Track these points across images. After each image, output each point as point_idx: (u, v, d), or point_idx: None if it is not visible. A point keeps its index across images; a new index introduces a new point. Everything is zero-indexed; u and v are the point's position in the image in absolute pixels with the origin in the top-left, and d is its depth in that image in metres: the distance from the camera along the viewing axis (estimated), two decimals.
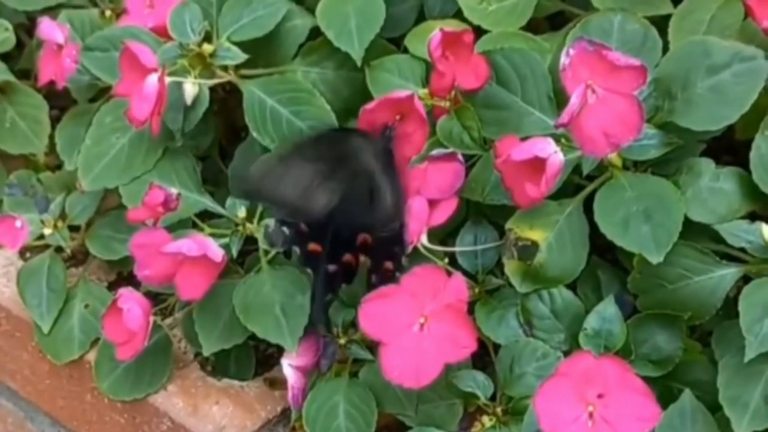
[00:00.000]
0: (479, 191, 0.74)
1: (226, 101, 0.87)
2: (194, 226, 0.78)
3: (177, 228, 0.78)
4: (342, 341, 0.76)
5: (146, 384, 0.82)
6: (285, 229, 0.72)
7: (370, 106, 0.74)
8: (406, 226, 0.70)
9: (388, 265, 0.71)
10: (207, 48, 0.80)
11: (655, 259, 0.67)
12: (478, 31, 0.79)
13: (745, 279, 0.68)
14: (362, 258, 0.71)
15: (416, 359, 0.68)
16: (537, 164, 0.67)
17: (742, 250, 0.68)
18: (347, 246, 0.71)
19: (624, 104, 0.65)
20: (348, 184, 0.69)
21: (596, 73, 0.65)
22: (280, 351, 0.75)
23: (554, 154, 0.66)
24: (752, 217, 0.69)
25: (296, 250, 0.72)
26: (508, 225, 0.71)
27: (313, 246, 0.71)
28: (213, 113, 0.86)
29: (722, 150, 0.75)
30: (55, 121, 0.92)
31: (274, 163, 0.71)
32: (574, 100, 0.65)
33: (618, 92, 0.65)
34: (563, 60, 0.66)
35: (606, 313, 0.70)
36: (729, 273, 0.69)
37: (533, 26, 0.84)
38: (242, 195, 0.77)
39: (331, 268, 0.72)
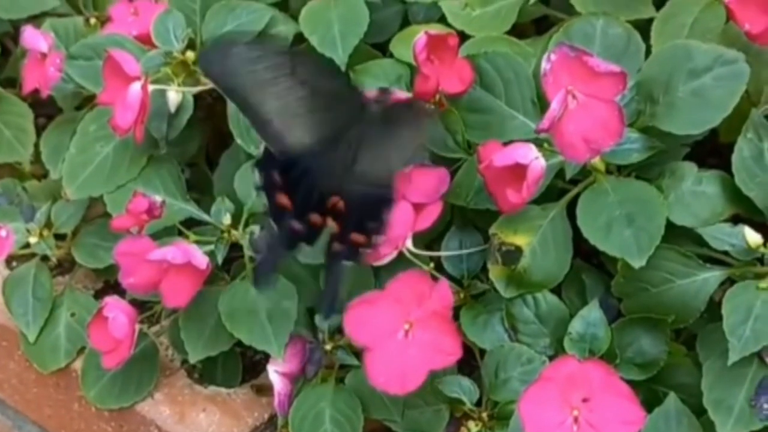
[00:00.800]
0: (464, 196, 0.74)
1: (213, 107, 0.87)
2: (179, 233, 0.78)
3: (162, 235, 0.78)
4: (328, 347, 0.76)
5: (133, 392, 0.82)
6: (256, 173, 0.68)
7: None
8: (391, 204, 0.67)
9: (357, 237, 0.67)
10: (191, 55, 0.80)
11: (638, 263, 0.67)
12: (462, 36, 0.79)
13: (729, 282, 0.68)
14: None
15: (401, 366, 0.68)
16: (518, 170, 0.67)
17: (726, 253, 0.68)
18: (317, 206, 0.67)
19: (604, 110, 0.65)
20: (337, 130, 0.67)
21: (577, 79, 0.65)
22: (267, 358, 0.75)
23: (535, 160, 0.66)
24: (735, 220, 0.69)
25: (264, 199, 0.68)
26: (492, 230, 0.71)
27: (282, 199, 0.68)
28: (200, 119, 0.86)
29: (707, 152, 0.75)
30: (41, 129, 0.92)
31: (256, 55, 0.67)
32: (554, 106, 0.65)
33: (598, 98, 0.65)
34: (544, 65, 0.66)
35: (590, 318, 0.70)
36: (712, 276, 0.69)
37: (519, 30, 0.84)
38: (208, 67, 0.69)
39: (296, 225, 0.68)
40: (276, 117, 0.67)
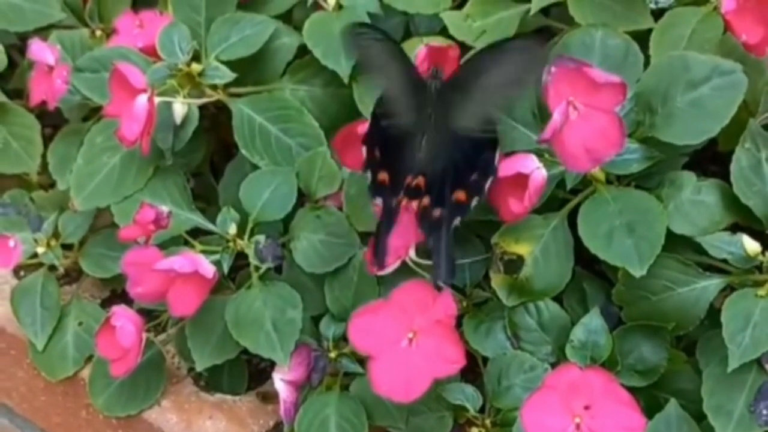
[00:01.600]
0: None
1: (217, 118, 0.88)
2: (186, 243, 0.79)
3: (169, 245, 0.79)
4: (333, 355, 0.76)
5: (140, 400, 0.83)
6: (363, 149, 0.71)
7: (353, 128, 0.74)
8: (497, 144, 0.69)
9: (459, 195, 0.69)
10: (196, 67, 0.81)
11: (638, 272, 0.67)
12: (464, 48, 0.80)
13: (729, 289, 0.69)
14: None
15: (405, 374, 0.69)
16: (520, 180, 0.68)
17: (725, 261, 0.69)
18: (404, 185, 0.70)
19: (605, 120, 0.66)
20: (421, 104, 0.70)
21: (577, 90, 0.66)
22: (272, 365, 0.76)
23: (537, 170, 0.67)
24: (734, 228, 0.70)
25: (368, 175, 0.71)
26: (494, 239, 0.72)
27: (382, 175, 0.71)
28: (205, 130, 0.87)
29: (708, 160, 0.76)
30: (48, 140, 0.93)
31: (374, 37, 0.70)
32: (556, 117, 0.66)
33: (599, 108, 0.66)
34: (545, 77, 0.67)
35: (592, 325, 0.70)
36: (712, 284, 0.69)
37: None
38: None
39: (393, 202, 0.71)
40: (386, 94, 0.70)
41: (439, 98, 0.71)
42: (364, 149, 0.71)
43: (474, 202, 0.69)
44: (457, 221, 0.69)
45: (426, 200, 0.70)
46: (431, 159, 0.70)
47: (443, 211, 0.70)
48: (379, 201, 0.71)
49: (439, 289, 0.70)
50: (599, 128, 0.66)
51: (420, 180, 0.70)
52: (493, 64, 0.69)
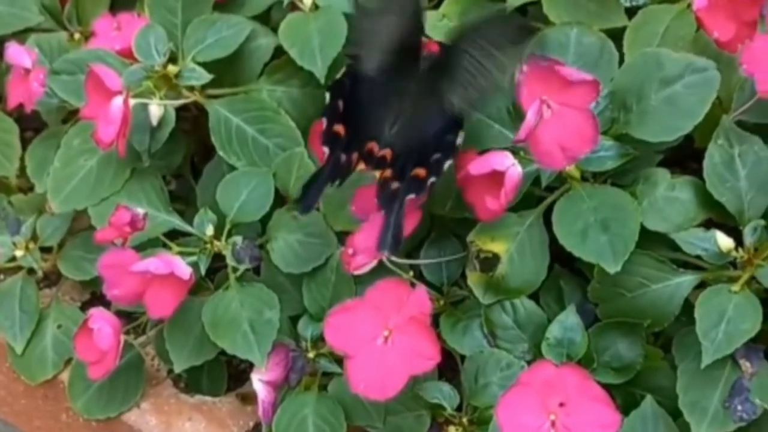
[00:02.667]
0: (442, 205, 0.75)
1: (198, 120, 0.88)
2: (164, 245, 0.79)
3: (147, 247, 0.79)
4: (311, 355, 0.76)
5: (119, 402, 0.83)
6: (327, 95, 0.71)
7: None
8: (461, 127, 0.70)
9: (419, 171, 0.70)
10: (172, 69, 0.81)
11: (613, 268, 0.68)
12: None
13: (703, 285, 0.69)
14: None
15: (381, 372, 0.68)
16: (496, 177, 0.68)
17: (699, 257, 0.69)
18: (363, 148, 0.71)
19: (579, 118, 0.66)
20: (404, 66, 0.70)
21: (550, 89, 0.66)
22: (252, 366, 0.76)
23: (512, 167, 0.67)
24: (708, 225, 0.70)
25: (324, 122, 0.71)
26: (469, 238, 0.72)
27: (338, 127, 0.71)
28: (184, 132, 0.87)
29: (688, 156, 0.76)
30: (27, 143, 0.93)
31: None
32: (530, 116, 0.66)
33: (572, 106, 0.66)
34: (518, 76, 0.67)
35: (567, 323, 0.71)
36: (686, 280, 0.70)
37: None
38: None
39: (343, 158, 0.71)
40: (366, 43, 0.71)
41: (424, 75, 0.71)
42: (327, 95, 0.71)
43: (431, 180, 0.69)
44: (411, 196, 0.69)
45: (388, 172, 0.70)
46: (402, 133, 0.71)
47: (401, 185, 0.70)
48: (326, 149, 0.71)
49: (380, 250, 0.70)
50: (573, 126, 0.67)
51: (387, 152, 0.70)
52: (476, 33, 0.69)
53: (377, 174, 0.71)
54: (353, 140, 0.71)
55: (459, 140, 0.70)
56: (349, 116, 0.71)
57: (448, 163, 0.69)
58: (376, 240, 0.69)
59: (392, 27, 0.71)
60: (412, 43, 0.72)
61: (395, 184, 0.70)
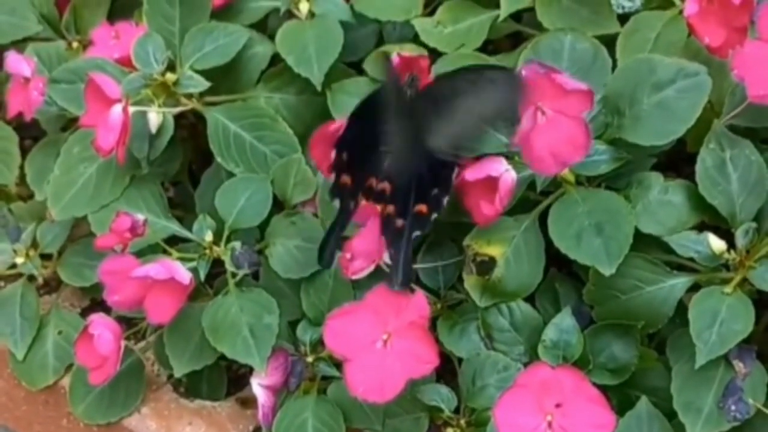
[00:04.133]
0: None
1: (196, 127, 0.89)
2: (163, 251, 0.79)
3: (146, 253, 0.80)
4: (310, 359, 0.77)
5: (120, 407, 0.84)
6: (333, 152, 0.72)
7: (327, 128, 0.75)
8: (456, 166, 0.70)
9: (421, 208, 0.70)
10: (170, 77, 0.82)
11: (608, 270, 0.69)
12: (436, 54, 0.81)
13: (697, 287, 0.70)
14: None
15: (380, 375, 0.69)
16: (490, 183, 0.69)
17: (692, 259, 0.70)
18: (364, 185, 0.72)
19: (571, 126, 0.67)
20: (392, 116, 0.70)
21: (546, 96, 0.67)
22: (251, 371, 0.77)
23: (506, 173, 0.68)
24: (700, 227, 0.71)
25: (332, 177, 0.72)
26: (466, 241, 0.73)
27: (345, 178, 0.72)
28: (183, 139, 0.88)
29: (683, 161, 0.77)
30: (26, 152, 0.93)
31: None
32: (524, 122, 0.67)
33: (566, 114, 0.67)
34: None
35: (563, 325, 0.71)
36: (679, 282, 0.71)
37: (495, 45, 0.86)
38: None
39: (352, 205, 0.72)
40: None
41: (412, 108, 0.72)
42: (333, 152, 0.72)
43: (434, 216, 0.70)
44: (417, 233, 0.70)
45: (390, 209, 0.71)
46: (398, 167, 0.71)
47: (405, 222, 0.71)
48: (336, 203, 0.72)
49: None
50: (566, 133, 0.67)
51: (385, 185, 0.71)
52: (471, 87, 0.69)
53: (379, 208, 0.72)
54: (358, 185, 0.72)
55: (455, 175, 0.70)
56: (353, 164, 0.72)
57: (446, 199, 0.70)
58: (389, 280, 0.70)
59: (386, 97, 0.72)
60: (397, 90, 0.73)
61: (400, 222, 0.71)
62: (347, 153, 0.72)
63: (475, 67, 0.73)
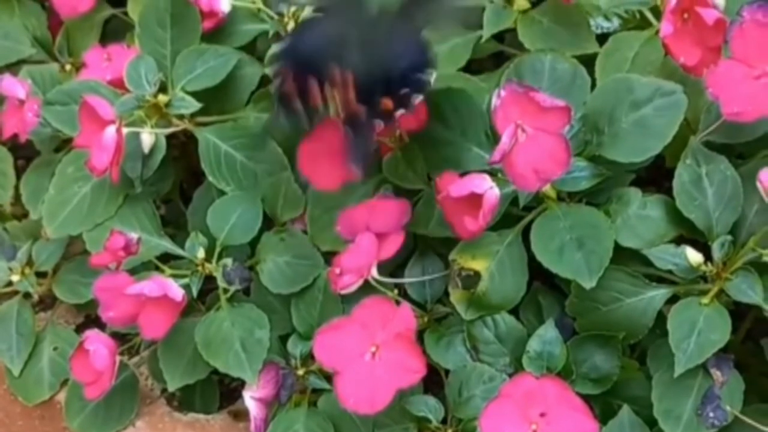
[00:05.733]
0: (425, 225, 0.77)
1: (187, 146, 0.90)
2: (156, 268, 0.81)
3: (140, 270, 0.81)
4: (300, 372, 0.79)
5: (115, 421, 0.85)
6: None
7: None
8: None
9: (387, 102, 0.70)
10: (162, 98, 0.83)
11: (588, 284, 0.70)
12: None
13: (675, 299, 0.72)
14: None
15: (369, 386, 0.70)
16: (474, 199, 0.70)
17: (670, 272, 0.72)
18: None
19: (552, 142, 0.69)
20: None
21: (525, 114, 0.68)
22: (243, 384, 0.78)
23: (490, 190, 0.70)
24: (678, 241, 0.72)
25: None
26: (451, 256, 0.75)
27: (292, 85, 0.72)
28: (174, 158, 0.89)
29: (662, 177, 0.79)
30: (21, 172, 0.94)
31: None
32: (505, 140, 0.68)
33: (546, 131, 0.69)
34: (494, 101, 0.69)
35: (547, 336, 0.73)
36: (658, 294, 0.72)
37: (478, 65, 0.88)
38: None
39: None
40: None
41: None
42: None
43: (399, 112, 0.71)
44: (379, 124, 0.71)
45: (352, 94, 0.70)
46: (366, 60, 0.71)
47: (369, 111, 0.71)
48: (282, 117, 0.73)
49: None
50: (546, 149, 0.69)
51: (350, 76, 0.70)
52: None
53: (338, 96, 0.71)
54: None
55: (431, 81, 0.70)
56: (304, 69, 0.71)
57: (417, 100, 0.70)
58: (346, 156, 0.70)
59: None
60: None
61: (361, 108, 0.70)
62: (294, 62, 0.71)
63: None
